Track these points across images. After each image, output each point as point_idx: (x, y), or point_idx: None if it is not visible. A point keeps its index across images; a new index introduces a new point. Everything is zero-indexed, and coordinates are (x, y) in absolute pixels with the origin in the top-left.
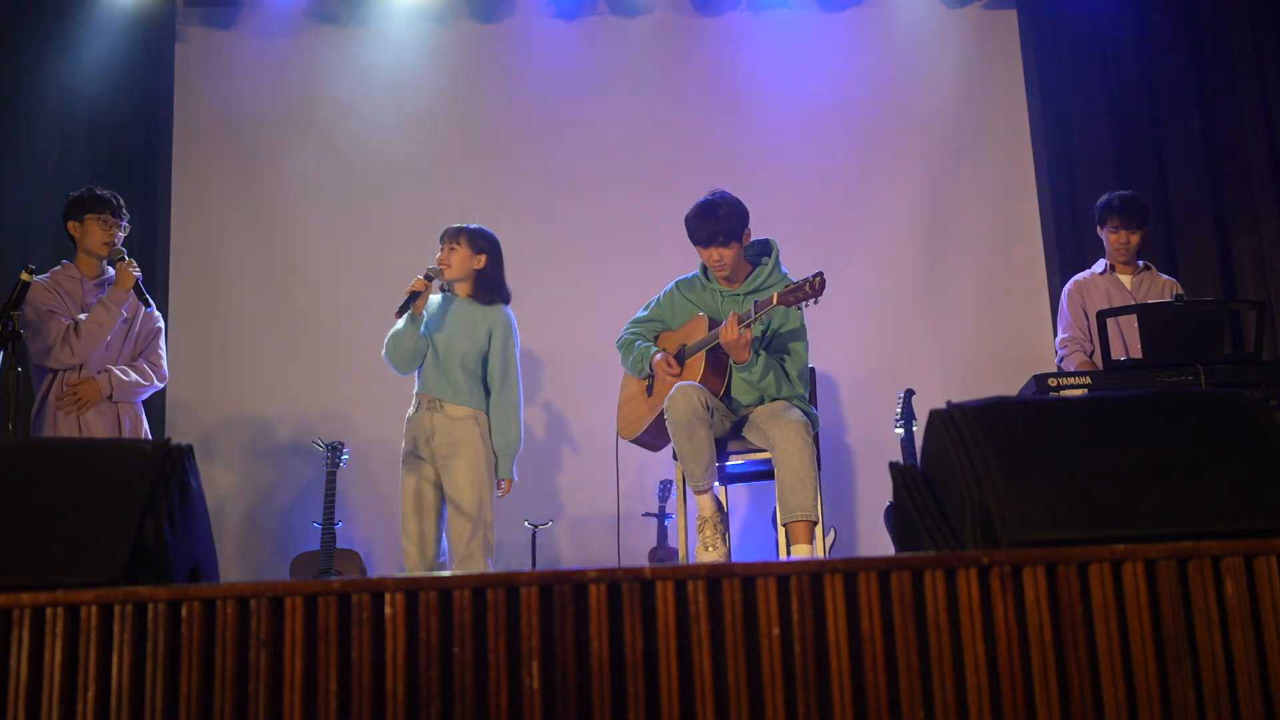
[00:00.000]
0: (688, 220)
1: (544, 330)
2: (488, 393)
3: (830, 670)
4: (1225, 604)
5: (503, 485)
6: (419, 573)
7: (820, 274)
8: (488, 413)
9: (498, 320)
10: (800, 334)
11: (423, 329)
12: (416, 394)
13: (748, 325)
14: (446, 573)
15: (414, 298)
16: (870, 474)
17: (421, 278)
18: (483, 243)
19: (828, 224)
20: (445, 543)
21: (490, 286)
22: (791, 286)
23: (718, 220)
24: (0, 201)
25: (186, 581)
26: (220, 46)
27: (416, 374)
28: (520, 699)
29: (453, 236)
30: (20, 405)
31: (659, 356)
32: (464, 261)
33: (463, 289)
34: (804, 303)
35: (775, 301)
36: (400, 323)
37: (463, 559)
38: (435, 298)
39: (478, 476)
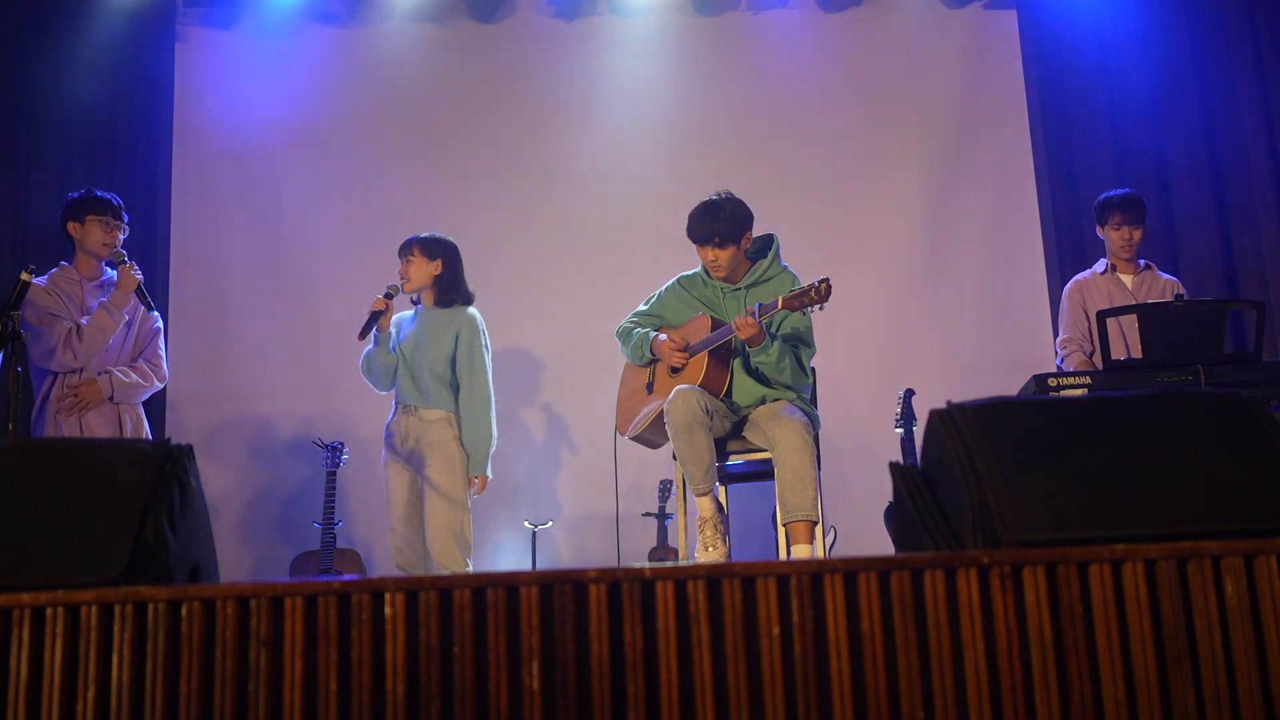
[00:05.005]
0: (690, 217)
1: (543, 331)
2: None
3: (830, 670)
4: (1225, 604)
5: (476, 482)
6: (415, 572)
7: (826, 280)
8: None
9: (463, 322)
10: (809, 327)
11: (393, 344)
12: (395, 401)
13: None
14: (446, 573)
15: (375, 317)
16: (870, 474)
17: (381, 297)
18: (436, 249)
19: (828, 224)
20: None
21: (449, 289)
22: (797, 291)
23: (717, 220)
24: (0, 201)
25: (186, 581)
26: (220, 46)
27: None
28: (520, 699)
29: (407, 250)
30: (20, 405)
31: (662, 337)
32: (421, 271)
33: (427, 298)
34: (809, 308)
35: (780, 305)
36: (370, 344)
37: (438, 555)
38: (407, 313)
39: (451, 476)
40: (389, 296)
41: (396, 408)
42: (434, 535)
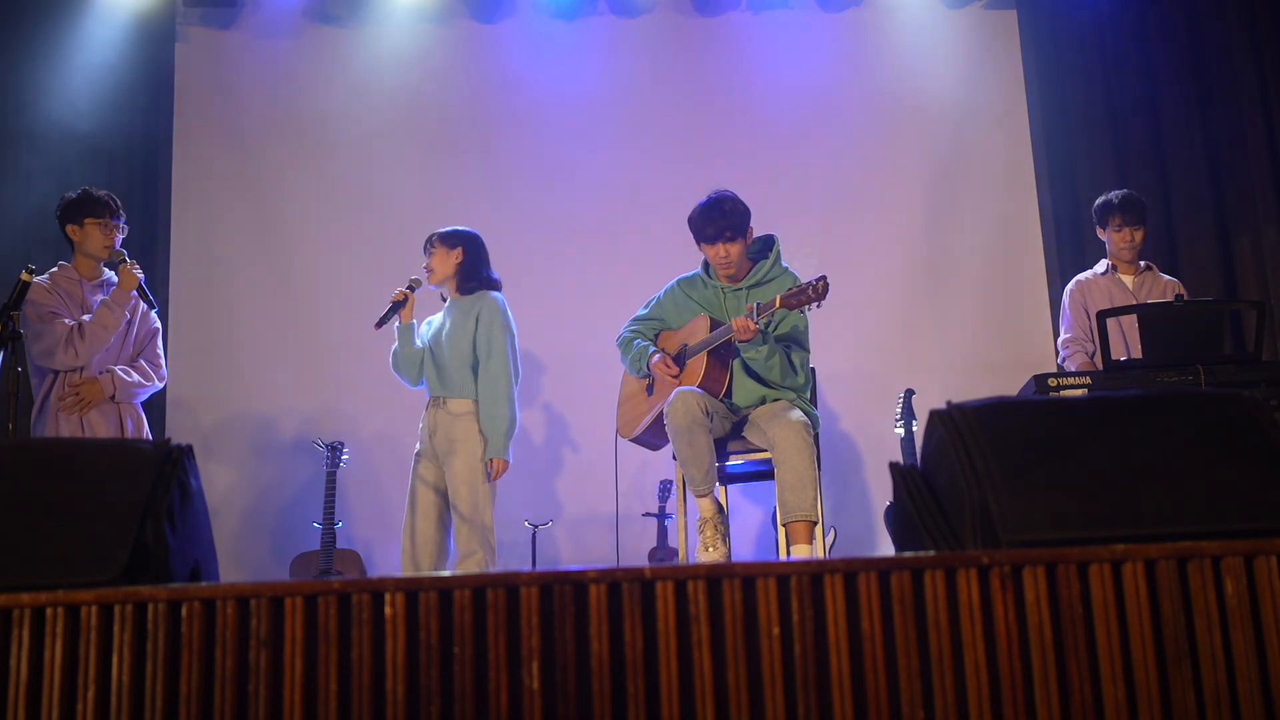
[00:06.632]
0: (692, 219)
1: (544, 331)
2: None
3: (830, 670)
4: (1225, 604)
5: (493, 466)
6: (417, 572)
7: (824, 278)
8: None
9: (484, 304)
10: (804, 327)
11: (422, 339)
12: (427, 396)
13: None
14: (446, 573)
15: (395, 308)
16: (870, 474)
17: (404, 289)
18: (456, 239)
19: (828, 224)
20: (451, 543)
21: (470, 275)
22: (794, 290)
23: (725, 216)
24: (0, 201)
25: (186, 581)
26: (220, 46)
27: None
28: (520, 699)
29: (429, 244)
30: (20, 405)
31: (657, 358)
32: (445, 262)
33: (451, 288)
34: (806, 307)
35: (778, 304)
36: (396, 338)
37: (463, 558)
38: (436, 315)
39: (474, 475)
40: (411, 288)
41: (427, 402)
42: (460, 537)
